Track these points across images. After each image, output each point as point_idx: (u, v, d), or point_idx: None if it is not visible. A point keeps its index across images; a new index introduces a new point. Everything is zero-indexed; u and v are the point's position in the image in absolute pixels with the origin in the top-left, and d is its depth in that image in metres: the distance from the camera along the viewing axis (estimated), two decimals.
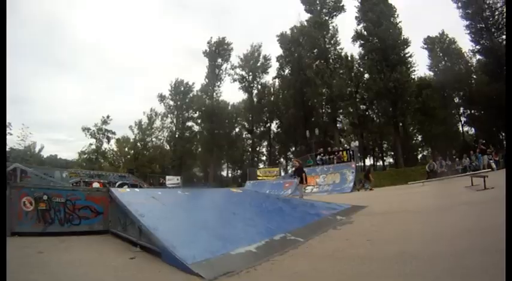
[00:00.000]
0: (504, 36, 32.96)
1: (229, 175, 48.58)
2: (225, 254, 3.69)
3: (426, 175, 19.55)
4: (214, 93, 44.90)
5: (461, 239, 3.55)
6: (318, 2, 40.59)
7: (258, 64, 45.00)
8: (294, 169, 10.20)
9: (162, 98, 47.58)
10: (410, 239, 4.11)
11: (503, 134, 36.68)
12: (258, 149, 47.96)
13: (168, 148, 48.78)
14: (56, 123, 75.39)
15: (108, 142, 45.15)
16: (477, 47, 35.83)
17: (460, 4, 36.06)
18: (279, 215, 6.78)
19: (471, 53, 37.76)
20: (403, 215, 6.66)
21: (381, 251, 3.59)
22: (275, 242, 4.46)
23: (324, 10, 40.40)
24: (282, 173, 32.23)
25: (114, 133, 45.55)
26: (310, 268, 3.21)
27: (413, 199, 10.47)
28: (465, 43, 45.83)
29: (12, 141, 32.61)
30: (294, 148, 42.31)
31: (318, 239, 4.77)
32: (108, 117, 44.33)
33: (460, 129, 40.30)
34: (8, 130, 28.32)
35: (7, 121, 26.89)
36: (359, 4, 38.50)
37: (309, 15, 40.76)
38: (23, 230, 5.07)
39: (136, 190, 8.75)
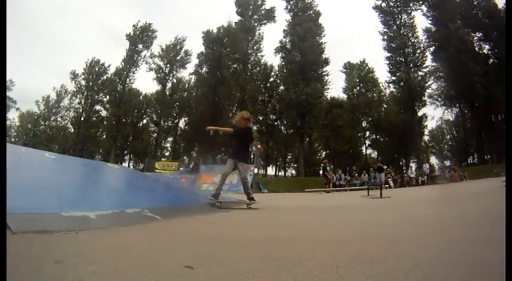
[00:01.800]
0: (420, 72, 35.21)
1: (131, 166, 43.71)
2: (54, 214, 2.84)
3: (325, 186, 19.00)
4: (128, 80, 40.57)
5: (342, 229, 3.16)
6: (251, 7, 39.16)
7: (178, 58, 41.68)
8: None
9: (74, 76, 42.21)
10: (282, 227, 3.53)
11: (403, 160, 39.44)
12: (162, 143, 44.27)
13: (72, 130, 43.17)
14: None
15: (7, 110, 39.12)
16: (393, 78, 36.08)
17: (386, 37, 36.52)
18: (147, 192, 5.68)
19: (386, 84, 38.48)
20: (289, 210, 6.09)
21: (244, 235, 2.96)
22: (125, 214, 3.52)
23: (255, 16, 39.17)
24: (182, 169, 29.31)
25: (14, 102, 40.56)
26: (150, 243, 2.39)
27: (305, 200, 10.31)
28: (382, 75, 47.58)
29: None
30: (197, 147, 39.05)
31: (180, 220, 3.90)
32: (11, 82, 38.40)
33: (364, 151, 41.21)
34: None
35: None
36: (290, 18, 37.65)
37: (239, 18, 39.01)
38: None
39: None
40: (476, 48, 34.64)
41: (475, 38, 34.72)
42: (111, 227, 2.89)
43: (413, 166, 35.67)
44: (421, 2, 36.41)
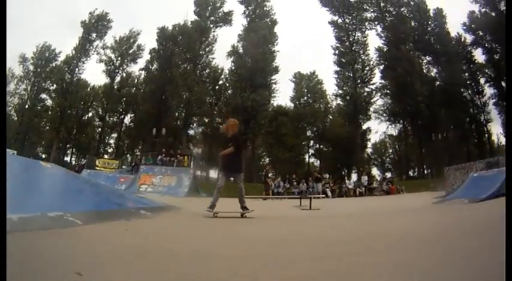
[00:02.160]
0: (367, 88, 36.63)
1: (73, 161, 42.24)
2: None
3: (263, 193, 19.42)
4: (77, 69, 39.08)
5: (240, 244, 3.31)
6: (209, 8, 39.02)
7: (130, 51, 40.56)
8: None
9: (23, 59, 39.74)
10: (187, 238, 3.68)
11: (346, 170, 40.40)
12: (106, 139, 42.96)
13: (16, 118, 41.06)
14: None
15: None
16: (340, 91, 37.24)
17: (337, 52, 37.38)
18: (74, 195, 5.38)
19: (333, 97, 39.45)
20: (207, 220, 5.84)
21: (150, 244, 3.08)
22: (46, 218, 3.51)
23: (212, 18, 38.98)
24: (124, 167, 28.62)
25: None
26: (58, 248, 2.56)
27: (235, 207, 9.67)
28: (330, 87, 48.61)
29: None
30: (141, 146, 38.30)
31: (99, 226, 3.93)
32: None
33: (307, 159, 41.83)
34: None
35: None
36: (246, 23, 38.11)
37: (196, 17, 38.70)
38: None
39: None
40: (425, 71, 36.01)
41: (424, 61, 36.18)
42: (29, 231, 2.96)
43: (354, 176, 36.62)
44: (376, 23, 37.61)
